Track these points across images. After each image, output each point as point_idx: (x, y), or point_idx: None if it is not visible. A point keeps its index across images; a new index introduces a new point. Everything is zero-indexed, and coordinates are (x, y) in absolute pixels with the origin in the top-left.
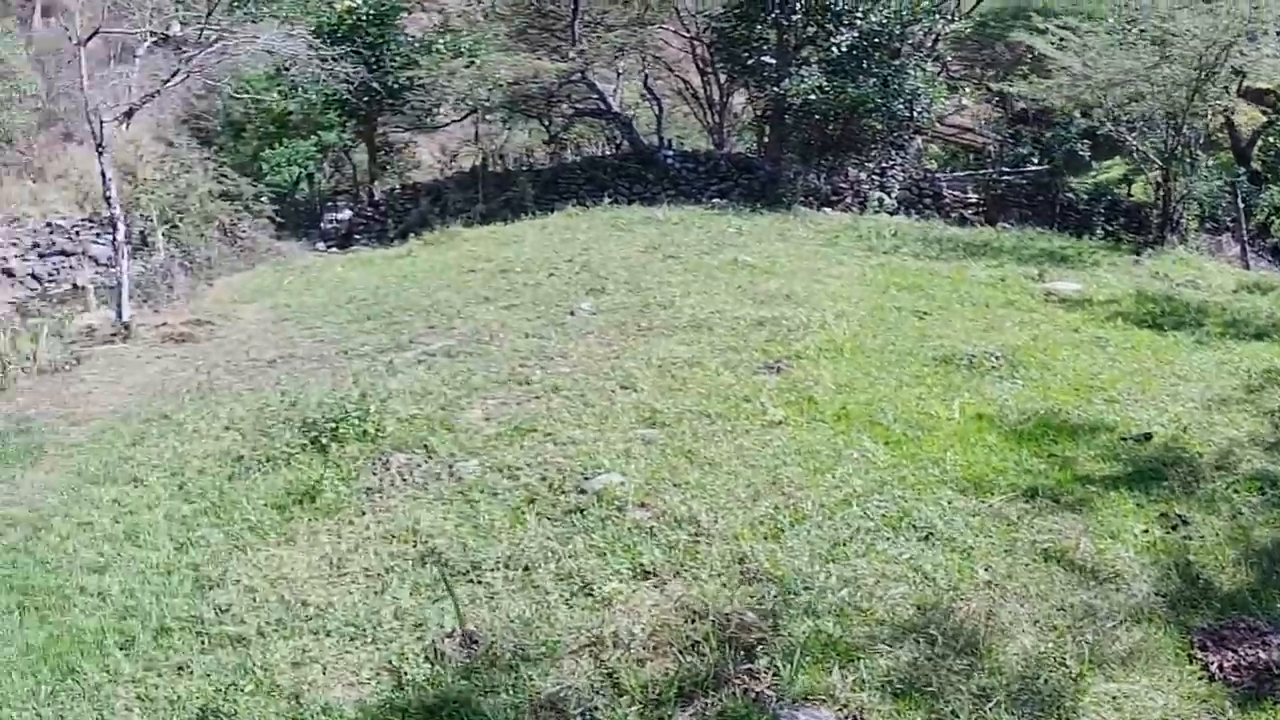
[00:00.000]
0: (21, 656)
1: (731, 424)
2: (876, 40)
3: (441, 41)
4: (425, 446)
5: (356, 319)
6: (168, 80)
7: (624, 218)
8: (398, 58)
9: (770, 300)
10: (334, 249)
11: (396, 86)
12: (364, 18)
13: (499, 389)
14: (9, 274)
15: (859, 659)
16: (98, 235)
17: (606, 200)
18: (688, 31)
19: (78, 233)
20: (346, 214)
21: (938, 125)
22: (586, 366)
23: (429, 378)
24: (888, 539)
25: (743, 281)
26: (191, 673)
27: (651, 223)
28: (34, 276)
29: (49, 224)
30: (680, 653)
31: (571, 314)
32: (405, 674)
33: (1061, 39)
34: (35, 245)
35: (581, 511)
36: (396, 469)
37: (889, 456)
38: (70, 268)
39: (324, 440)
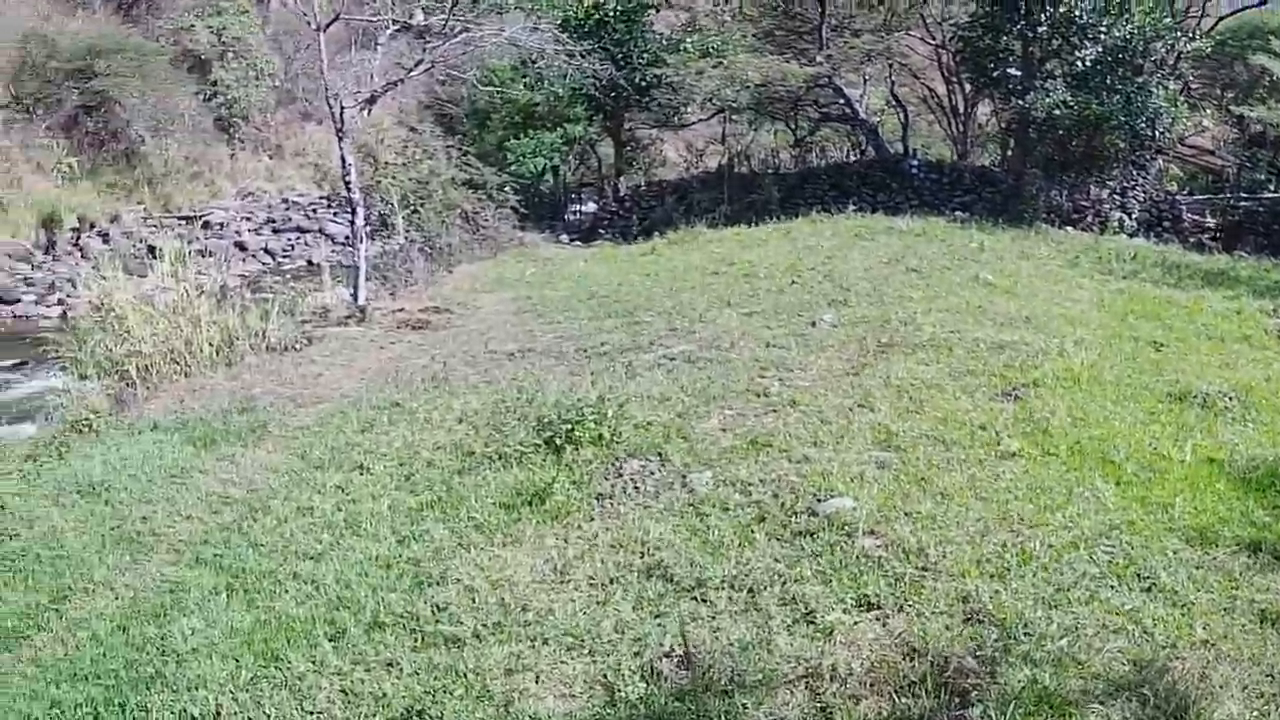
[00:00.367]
0: (225, 639)
1: (966, 452)
2: (1120, 56)
3: (689, 40)
4: (660, 454)
5: (597, 316)
6: (410, 70)
7: (867, 226)
8: (645, 55)
9: (1010, 323)
10: (577, 242)
11: (643, 84)
12: (611, 14)
13: (737, 399)
14: (242, 247)
15: (1072, 716)
16: (335, 214)
17: (850, 208)
18: (934, 39)
19: (315, 210)
20: (591, 207)
21: (1178, 146)
22: (826, 381)
23: (668, 383)
24: (1112, 587)
25: (983, 300)
26: (401, 670)
27: (894, 233)
28: (267, 251)
29: (285, 200)
30: (895, 692)
31: (813, 325)
32: (619, 690)
33: None
34: (270, 220)
35: (811, 535)
36: (629, 476)
37: (1119, 498)
38: (306, 245)
39: (559, 441)
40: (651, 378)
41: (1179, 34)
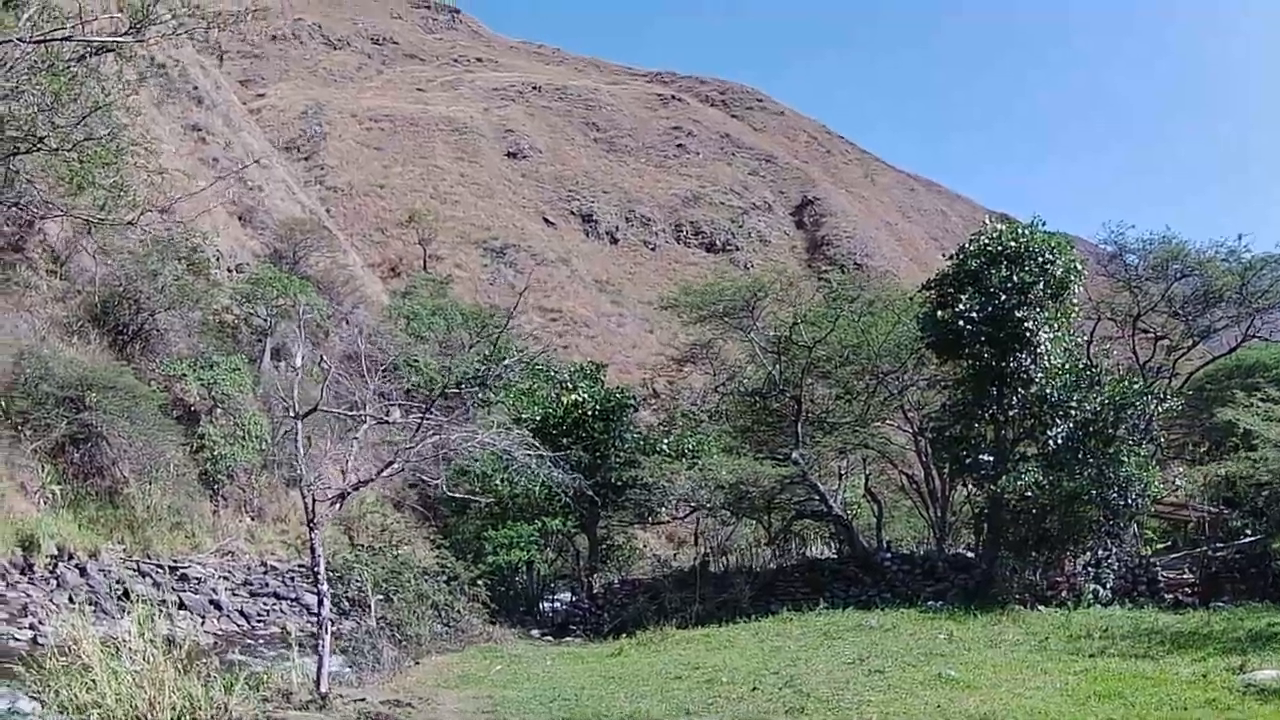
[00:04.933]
0: None
1: None
2: (1090, 429)
3: (665, 441)
4: None
5: None
6: (379, 471)
7: (837, 624)
8: (621, 454)
9: None
10: (548, 637)
11: (619, 484)
12: (590, 413)
13: None
14: (217, 606)
15: None
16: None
17: (822, 604)
18: (911, 426)
19: (293, 579)
20: (567, 596)
21: (1153, 507)
22: None
23: None
24: None
25: (943, 699)
26: None
27: (863, 630)
28: (243, 614)
29: (265, 564)
30: None
31: None
32: None
33: (1267, 412)
34: (247, 583)
35: None
36: None
37: None
38: (281, 612)
39: None
40: None
41: (1150, 398)
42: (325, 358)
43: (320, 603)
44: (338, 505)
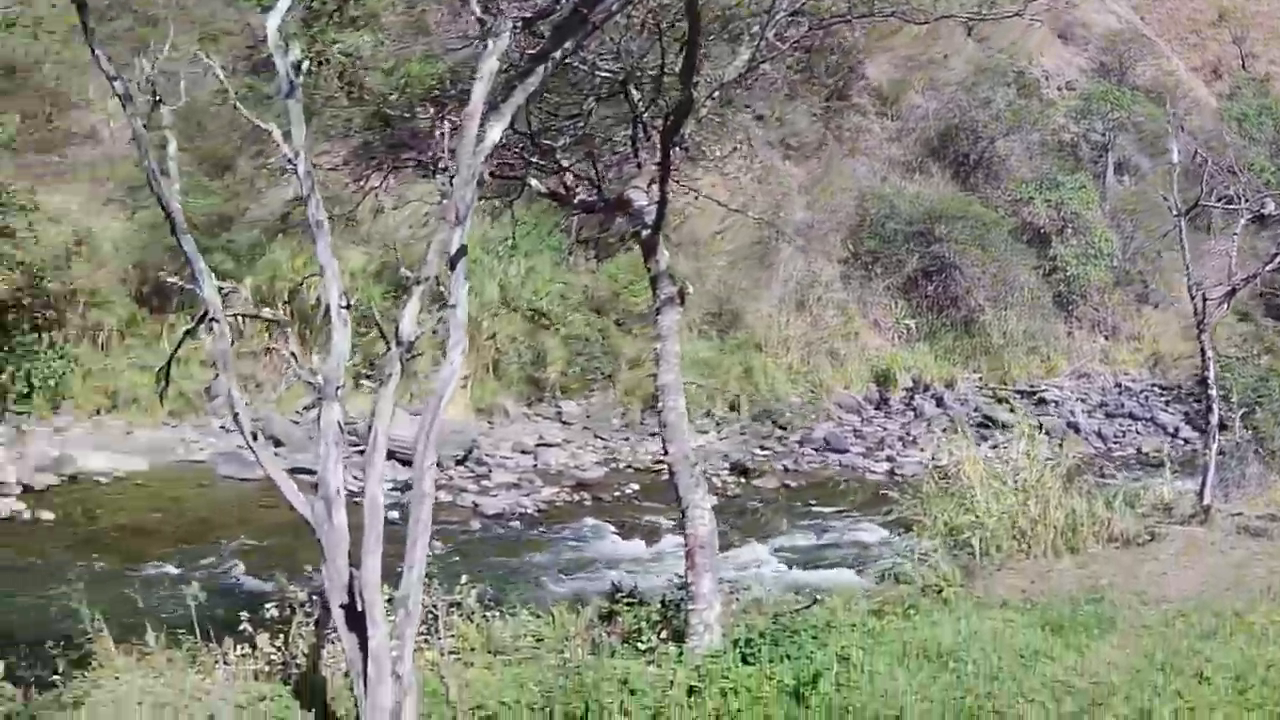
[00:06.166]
0: None
1: None
2: None
3: None
4: None
5: None
6: (1268, 263)
7: None
8: None
9: None
10: None
11: None
12: None
13: None
14: (1074, 428)
15: None
16: (1167, 403)
17: None
18: None
19: (1146, 398)
20: None
21: None
22: None
23: None
24: None
25: None
26: None
27: None
28: (1099, 435)
29: (1118, 385)
30: None
31: None
32: None
33: None
34: (1103, 404)
35: None
36: None
37: None
38: (1136, 433)
39: None
40: None
41: None
42: (1199, 152)
43: (1208, 409)
44: (1225, 305)
